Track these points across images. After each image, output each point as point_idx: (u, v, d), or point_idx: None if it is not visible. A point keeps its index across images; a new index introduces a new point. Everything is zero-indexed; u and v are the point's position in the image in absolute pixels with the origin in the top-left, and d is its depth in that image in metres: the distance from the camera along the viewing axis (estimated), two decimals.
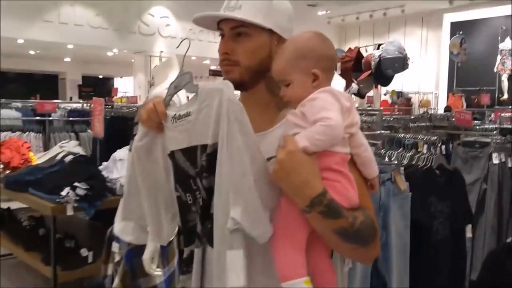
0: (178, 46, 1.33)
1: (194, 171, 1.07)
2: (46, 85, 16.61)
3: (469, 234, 2.73)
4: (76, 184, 2.99)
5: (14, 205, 4.71)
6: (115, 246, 1.94)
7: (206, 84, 1.08)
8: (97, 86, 15.80)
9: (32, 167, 3.80)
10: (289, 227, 0.98)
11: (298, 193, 0.96)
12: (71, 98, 13.66)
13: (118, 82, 18.57)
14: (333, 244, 1.01)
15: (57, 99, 13.23)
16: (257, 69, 1.13)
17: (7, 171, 3.87)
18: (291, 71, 1.06)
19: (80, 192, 2.96)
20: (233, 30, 1.12)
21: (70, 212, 2.99)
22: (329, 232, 0.97)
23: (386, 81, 4.55)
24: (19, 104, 6.43)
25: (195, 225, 1.10)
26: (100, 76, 18.72)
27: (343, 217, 0.95)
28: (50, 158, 3.94)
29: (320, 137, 0.96)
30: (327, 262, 1.03)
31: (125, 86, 16.41)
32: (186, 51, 1.16)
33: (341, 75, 4.62)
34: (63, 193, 2.97)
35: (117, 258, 1.94)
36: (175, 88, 1.13)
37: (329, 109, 0.98)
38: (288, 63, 1.06)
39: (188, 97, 1.28)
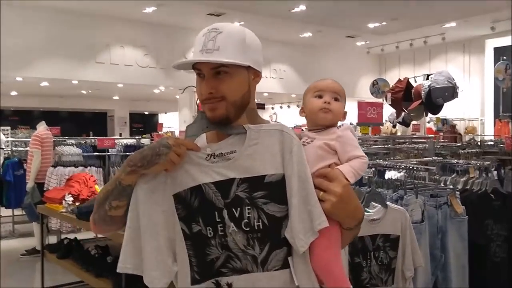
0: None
1: (224, 202, 1.13)
2: (96, 122, 17.48)
3: None
4: None
5: (80, 236, 5.03)
6: None
7: (255, 126, 1.18)
8: (143, 122, 16.48)
9: None
10: (339, 244, 1.20)
11: (352, 217, 1.18)
12: (120, 134, 14.31)
13: (162, 118, 19.26)
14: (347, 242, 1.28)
15: (106, 135, 13.87)
16: (240, 103, 1.20)
17: (77, 203, 4.16)
18: (342, 96, 1.32)
19: None
20: (213, 70, 1.17)
21: None
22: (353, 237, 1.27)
23: (436, 109, 4.63)
24: (73, 141, 6.87)
25: (214, 259, 1.13)
26: (146, 113, 19.49)
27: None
28: None
29: (360, 172, 1.20)
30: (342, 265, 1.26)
31: (169, 121, 17.02)
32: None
33: (392, 105, 4.71)
34: None
35: None
36: (201, 129, 1.23)
37: (358, 147, 1.22)
38: (342, 91, 1.33)
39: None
